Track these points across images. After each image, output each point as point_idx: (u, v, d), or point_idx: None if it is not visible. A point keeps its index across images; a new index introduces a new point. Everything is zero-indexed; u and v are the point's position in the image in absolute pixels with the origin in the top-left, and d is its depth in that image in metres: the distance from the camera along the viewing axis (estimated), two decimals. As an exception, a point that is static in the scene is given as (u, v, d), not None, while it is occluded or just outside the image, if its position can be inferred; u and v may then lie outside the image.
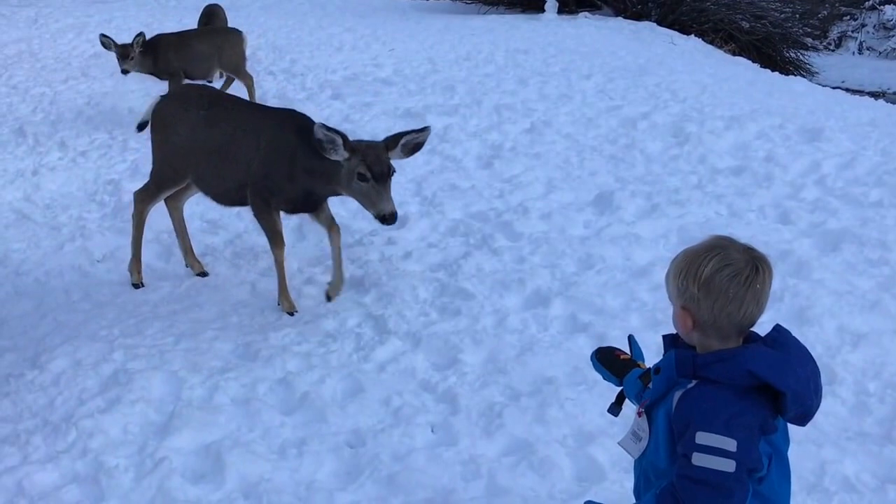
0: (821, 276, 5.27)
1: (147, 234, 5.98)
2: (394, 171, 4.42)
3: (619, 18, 18.94)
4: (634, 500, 2.23)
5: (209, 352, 4.34)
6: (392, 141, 4.46)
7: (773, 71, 16.56)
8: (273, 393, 3.99)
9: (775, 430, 1.96)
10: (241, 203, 5.02)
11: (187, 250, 5.42)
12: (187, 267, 5.42)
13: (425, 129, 4.53)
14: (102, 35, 8.61)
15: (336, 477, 3.46)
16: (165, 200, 5.43)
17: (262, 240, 5.90)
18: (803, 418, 2.01)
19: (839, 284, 5.20)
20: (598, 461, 3.49)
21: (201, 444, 3.60)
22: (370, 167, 4.32)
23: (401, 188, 6.85)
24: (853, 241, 5.85)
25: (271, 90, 9.96)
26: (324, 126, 4.35)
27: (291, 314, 4.82)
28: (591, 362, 2.51)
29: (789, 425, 2.09)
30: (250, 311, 4.86)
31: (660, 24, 18.92)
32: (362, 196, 4.44)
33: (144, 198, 5.29)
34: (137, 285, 5.20)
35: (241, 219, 6.30)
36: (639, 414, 2.17)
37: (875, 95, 16.82)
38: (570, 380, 4.10)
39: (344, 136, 4.35)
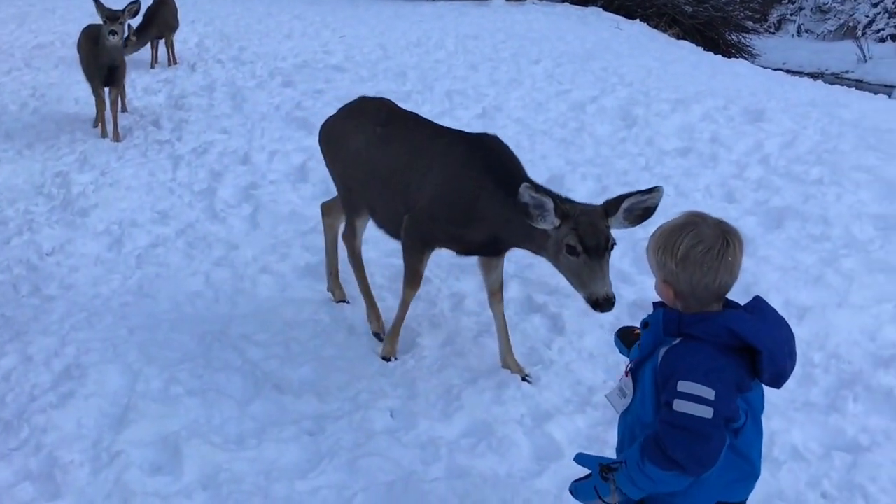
0: (766, 253, 5.41)
1: (97, 226, 5.90)
2: (614, 243, 3.42)
3: (566, 4, 19.09)
4: (615, 458, 2.30)
5: (164, 343, 4.29)
6: (613, 205, 3.41)
7: (715, 54, 16.87)
8: (231, 383, 3.97)
9: (750, 389, 2.09)
10: None
11: (333, 273, 4.88)
12: (328, 290, 4.89)
13: (655, 190, 3.38)
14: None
15: (296, 465, 3.46)
16: (323, 216, 4.93)
17: (215, 228, 5.87)
18: (777, 379, 2.12)
19: (784, 260, 5.36)
20: (556, 439, 3.56)
21: (158, 436, 3.56)
22: (582, 238, 3.36)
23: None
24: (796, 218, 6.01)
25: (220, 78, 9.84)
26: (531, 186, 3.38)
27: (388, 360, 4.22)
28: (614, 341, 2.61)
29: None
30: (206, 302, 4.82)
31: (605, 9, 19.12)
32: (570, 273, 3.49)
33: (348, 236, 4.62)
34: (379, 335, 4.44)
35: (193, 208, 6.24)
36: (626, 373, 2.29)
37: (814, 76, 17.20)
38: (527, 360, 4.16)
39: (555, 199, 3.41)
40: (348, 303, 4.82)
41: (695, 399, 2.00)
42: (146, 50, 10.70)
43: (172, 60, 10.81)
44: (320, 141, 4.78)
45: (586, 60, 11.62)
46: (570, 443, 3.54)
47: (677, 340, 2.12)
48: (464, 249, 4.06)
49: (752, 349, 2.05)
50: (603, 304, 3.36)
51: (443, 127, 4.42)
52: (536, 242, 3.59)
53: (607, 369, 4.11)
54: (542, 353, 4.26)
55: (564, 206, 3.41)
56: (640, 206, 3.37)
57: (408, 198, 4.08)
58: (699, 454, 2.01)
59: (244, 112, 8.53)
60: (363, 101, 4.77)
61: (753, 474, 2.19)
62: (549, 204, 3.37)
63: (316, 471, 3.39)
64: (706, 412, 1.99)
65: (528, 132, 7.87)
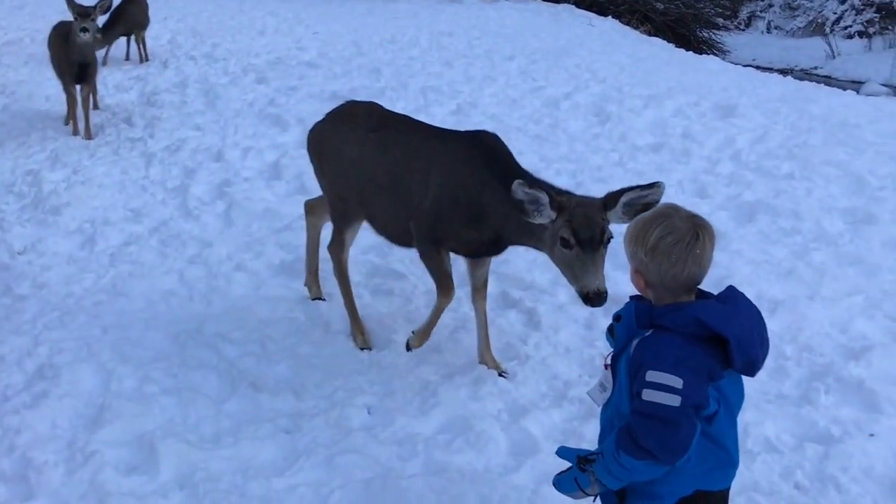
0: (738, 247, 5.48)
1: (69, 224, 5.83)
2: (610, 237, 3.32)
3: (539, 1, 19.17)
4: (597, 447, 2.33)
5: (138, 342, 4.25)
6: (612, 198, 3.33)
7: (687, 50, 17.02)
8: (206, 381, 3.94)
9: (722, 378, 2.12)
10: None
11: (312, 271, 4.84)
12: (305, 286, 4.87)
13: (655, 186, 3.30)
14: None
15: (273, 463, 3.44)
16: (306, 214, 4.83)
17: (188, 225, 5.83)
18: (751, 368, 2.16)
19: (756, 254, 5.42)
20: (533, 434, 3.57)
21: (133, 435, 3.53)
22: (575, 231, 3.28)
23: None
24: (767, 212, 6.09)
25: (193, 75, 9.76)
26: (523, 183, 3.31)
27: (409, 349, 4.19)
28: (606, 336, 2.63)
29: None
30: (180, 300, 4.78)
31: (578, 6, 19.23)
32: (564, 265, 3.41)
33: (335, 248, 4.51)
34: (363, 349, 4.35)
35: (166, 206, 6.19)
36: (605, 366, 2.33)
37: (784, 72, 17.42)
38: (503, 355, 4.18)
39: (550, 192, 3.34)
40: (324, 300, 4.81)
41: (663, 388, 2.03)
42: (118, 47, 10.59)
43: (144, 57, 10.70)
44: (309, 148, 4.63)
45: (559, 57, 11.68)
46: (547, 437, 3.56)
47: (649, 332, 2.15)
48: (471, 251, 4.00)
49: (722, 339, 2.07)
50: (594, 298, 3.25)
51: (437, 127, 4.36)
52: (536, 237, 3.53)
53: (582, 364, 4.14)
54: (518, 348, 4.28)
55: (560, 199, 3.35)
56: (640, 201, 3.27)
57: (410, 202, 4.01)
58: (669, 442, 2.04)
59: (217, 109, 8.47)
60: (353, 105, 4.65)
61: (730, 462, 2.22)
62: (544, 198, 3.30)
63: (293, 468, 3.38)
64: (674, 400, 2.02)
65: (502, 128, 7.82)
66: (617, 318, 2.26)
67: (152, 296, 4.82)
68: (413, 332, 4.21)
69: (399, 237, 4.21)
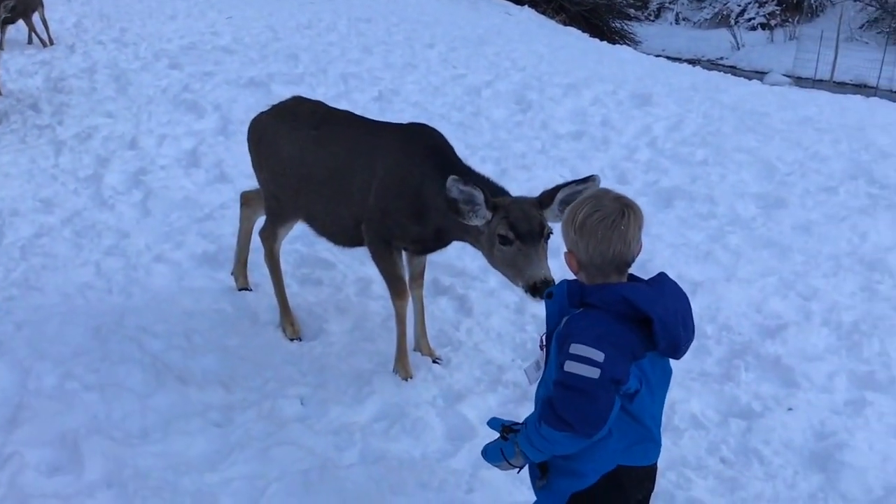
0: (658, 231, 5.63)
1: (-31, 216, 5.53)
2: (550, 231, 3.24)
3: (456, -12, 19.14)
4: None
5: (56, 338, 4.07)
6: (547, 196, 3.28)
7: (601, 40, 17.35)
8: (130, 376, 3.80)
9: (644, 357, 2.17)
10: (363, 243, 4.00)
11: (241, 261, 4.70)
12: (232, 275, 4.75)
13: (591, 180, 3.22)
14: None
15: (205, 457, 3.35)
16: (241, 206, 4.69)
17: (104, 216, 5.62)
18: (674, 350, 2.21)
19: (674, 238, 5.59)
20: (469, 418, 3.59)
21: (55, 434, 3.38)
22: (513, 225, 3.19)
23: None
24: (684, 198, 6.28)
25: (102, 60, 9.39)
26: (458, 179, 3.19)
27: (406, 380, 3.90)
28: None
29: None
30: (98, 293, 4.59)
31: (495, -6, 19.30)
32: (505, 265, 3.28)
33: (268, 236, 4.39)
34: (293, 339, 4.24)
35: (78, 195, 5.95)
36: (540, 347, 2.37)
37: (692, 63, 17.96)
38: (437, 342, 4.18)
39: (485, 191, 3.24)
40: (251, 290, 4.72)
41: (583, 360, 2.08)
42: (19, 30, 10.09)
43: (48, 41, 10.23)
44: (249, 139, 4.45)
45: (479, 45, 11.74)
46: (483, 422, 3.53)
47: (579, 311, 2.20)
48: (420, 248, 3.90)
49: (648, 319, 2.13)
50: (541, 287, 3.08)
51: (377, 121, 4.23)
52: (472, 236, 3.44)
53: (515, 348, 4.18)
54: (450, 334, 4.29)
55: (495, 199, 3.27)
56: (575, 196, 3.00)
57: (352, 199, 3.88)
58: (586, 413, 2.08)
59: (129, 95, 8.18)
60: (298, 102, 4.45)
61: (651, 438, 2.27)
62: (479, 196, 3.20)
63: (226, 462, 3.30)
64: (593, 373, 2.07)
65: (426, 116, 7.87)
66: (549, 295, 2.30)
67: (68, 289, 4.62)
68: (394, 365, 3.95)
69: (341, 237, 4.08)
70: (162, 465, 3.26)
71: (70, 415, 3.50)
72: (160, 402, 3.68)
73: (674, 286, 2.24)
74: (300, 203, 4.17)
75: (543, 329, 4.18)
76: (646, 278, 2.28)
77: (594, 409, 2.08)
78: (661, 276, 2.27)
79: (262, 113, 4.46)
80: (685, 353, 2.24)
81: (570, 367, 2.09)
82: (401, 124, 4.16)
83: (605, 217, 2.15)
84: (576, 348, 2.09)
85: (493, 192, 3.38)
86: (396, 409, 3.65)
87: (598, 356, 2.07)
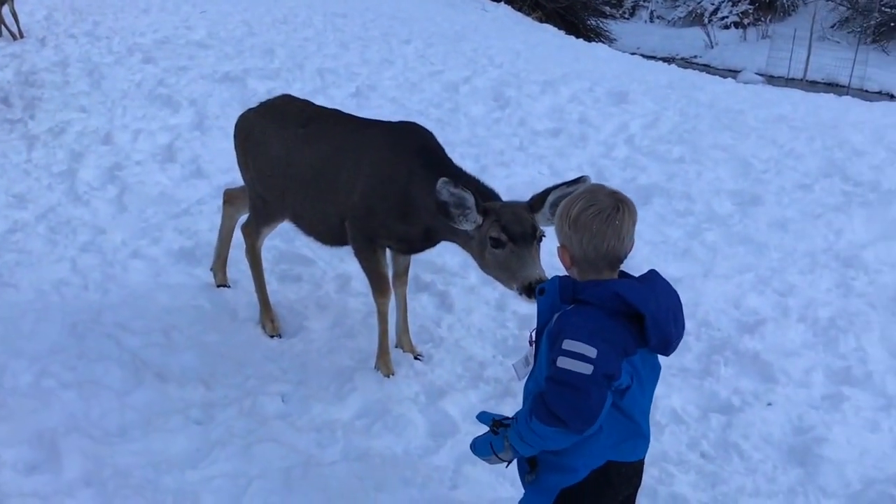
0: (636, 228, 5.63)
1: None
2: (542, 234, 3.21)
3: (433, -16, 19.11)
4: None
5: (31, 335, 4.01)
6: (538, 200, 3.26)
7: (576, 37, 17.41)
8: (108, 373, 3.76)
9: (636, 353, 2.18)
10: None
11: (221, 258, 4.67)
12: (211, 270, 4.71)
13: (581, 181, 3.17)
14: None
15: (186, 455, 3.31)
16: (224, 203, 4.65)
17: (79, 211, 5.54)
18: (665, 346, 2.23)
19: (653, 235, 5.62)
20: (451, 415, 3.59)
21: (32, 432, 3.32)
22: (506, 227, 3.16)
23: (228, 155, 6.59)
24: (662, 195, 6.32)
25: (74, 54, 9.25)
26: (449, 181, 3.13)
27: (388, 377, 3.87)
28: None
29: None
30: (74, 290, 4.53)
31: (471, -10, 19.28)
32: (498, 268, 3.22)
33: (251, 233, 4.35)
34: (273, 336, 4.22)
35: (53, 191, 5.87)
36: (530, 342, 2.37)
37: (667, 61, 18.06)
38: (418, 338, 4.17)
39: (476, 195, 3.19)
40: (229, 287, 4.68)
41: (577, 356, 2.08)
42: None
43: (18, 34, 10.07)
44: (236, 136, 4.38)
45: (456, 41, 11.73)
46: (465, 418, 3.58)
47: (571, 307, 2.20)
48: (406, 247, 3.85)
49: (639, 316, 2.14)
50: (535, 285, 2.96)
51: (365, 119, 4.16)
52: (461, 236, 3.39)
53: (496, 344, 4.19)
54: (432, 330, 4.29)
55: (486, 204, 3.23)
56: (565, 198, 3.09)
57: (338, 197, 3.81)
58: (579, 408, 2.09)
59: (103, 89, 8.07)
60: (287, 101, 4.38)
61: (640, 434, 2.29)
62: (470, 200, 3.15)
63: (207, 460, 3.27)
64: (586, 369, 2.07)
65: (403, 112, 7.86)
66: (541, 291, 2.30)
67: (43, 286, 4.55)
68: (376, 362, 3.93)
69: (328, 236, 4.01)
70: (142, 464, 3.23)
71: (47, 413, 3.45)
72: (139, 399, 3.64)
73: (664, 284, 2.26)
74: (286, 203, 4.10)
75: (525, 325, 4.22)
76: (636, 275, 2.29)
77: (586, 405, 2.08)
78: (652, 273, 2.27)
79: (250, 110, 4.40)
80: (675, 349, 2.25)
81: (563, 363, 2.09)
82: (390, 122, 4.12)
83: (600, 212, 2.15)
84: (569, 344, 2.09)
85: (484, 195, 3.33)
86: (378, 406, 3.64)
87: (591, 352, 2.08)
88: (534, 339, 2.35)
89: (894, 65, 21.32)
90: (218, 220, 5.37)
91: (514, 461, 2.36)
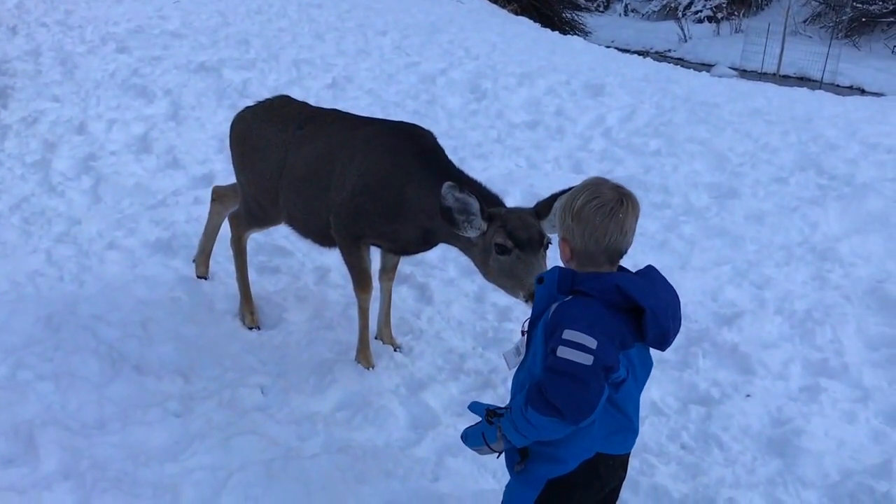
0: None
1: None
2: (549, 241, 3.12)
3: (408, -25, 19.01)
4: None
5: (5, 327, 3.94)
6: (544, 206, 3.15)
7: (552, 30, 17.44)
8: (86, 365, 3.71)
9: (633, 347, 2.19)
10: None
11: (205, 253, 4.61)
12: (193, 262, 4.67)
13: None
14: None
15: (165, 447, 3.29)
16: (212, 201, 4.58)
17: (53, 202, 5.46)
18: (662, 341, 2.23)
19: (631, 228, 5.64)
20: (432, 407, 3.59)
21: (8, 425, 3.28)
22: (512, 233, 3.07)
23: (203, 145, 6.56)
24: (639, 188, 6.31)
25: (46, 42, 9.09)
26: (454, 186, 3.03)
27: (368, 369, 3.84)
28: None
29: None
30: (49, 281, 4.46)
31: (447, -18, 19.21)
32: (504, 276, 3.13)
33: (238, 224, 4.28)
34: (252, 328, 4.19)
35: (26, 181, 5.77)
36: (522, 333, 2.36)
37: (641, 54, 18.13)
38: (398, 330, 4.16)
39: (481, 201, 3.09)
40: (207, 279, 4.63)
41: (577, 346, 2.08)
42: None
43: (-13, 21, 9.88)
44: (232, 135, 4.28)
45: (432, 33, 11.69)
46: (445, 410, 3.58)
47: (569, 298, 2.20)
48: (396, 248, 3.77)
49: (638, 309, 2.15)
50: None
51: (364, 117, 4.05)
52: (463, 241, 3.30)
53: (475, 336, 4.19)
54: (412, 323, 4.28)
55: (490, 210, 3.15)
56: None
57: (328, 196, 3.72)
58: (577, 400, 2.08)
59: (76, 79, 7.94)
60: (286, 102, 4.28)
61: (630, 428, 2.30)
62: (475, 205, 3.05)
63: (187, 452, 3.24)
64: (586, 359, 2.07)
65: (380, 104, 7.83)
66: (539, 280, 2.30)
67: (17, 277, 4.48)
68: (356, 355, 3.90)
69: (322, 236, 3.90)
70: (121, 456, 3.20)
71: (23, 405, 3.41)
72: (117, 391, 3.60)
73: (662, 279, 2.26)
74: (281, 205, 4.02)
75: (504, 317, 4.21)
76: (633, 270, 2.29)
77: (585, 396, 2.08)
78: (651, 270, 2.28)
79: (247, 110, 4.33)
80: (671, 344, 2.26)
81: (564, 352, 2.08)
82: (390, 122, 4.04)
83: (604, 205, 2.15)
84: (569, 334, 2.09)
85: (489, 200, 3.25)
86: (359, 398, 3.63)
87: (592, 343, 2.08)
88: (526, 328, 2.35)
89: (866, 60, 21.58)
90: (195, 212, 5.35)
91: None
